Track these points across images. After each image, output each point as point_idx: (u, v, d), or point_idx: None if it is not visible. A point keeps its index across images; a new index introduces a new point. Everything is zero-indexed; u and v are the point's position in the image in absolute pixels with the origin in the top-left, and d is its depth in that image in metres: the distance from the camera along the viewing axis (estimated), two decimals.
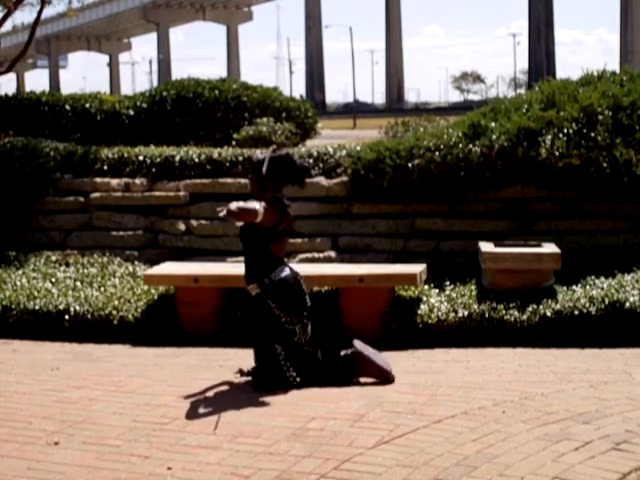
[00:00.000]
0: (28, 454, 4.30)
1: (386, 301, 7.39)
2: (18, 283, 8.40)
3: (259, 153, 5.67)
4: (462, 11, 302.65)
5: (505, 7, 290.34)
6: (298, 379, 5.40)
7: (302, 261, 8.81)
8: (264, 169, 5.46)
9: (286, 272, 5.53)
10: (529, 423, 4.46)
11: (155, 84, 78.74)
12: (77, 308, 7.74)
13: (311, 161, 10.06)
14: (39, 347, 7.39)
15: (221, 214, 5.37)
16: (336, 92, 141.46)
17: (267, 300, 5.44)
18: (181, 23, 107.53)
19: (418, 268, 7.54)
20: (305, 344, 5.52)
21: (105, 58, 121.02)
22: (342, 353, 5.62)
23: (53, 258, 9.44)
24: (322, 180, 9.73)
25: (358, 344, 5.70)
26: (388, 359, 5.87)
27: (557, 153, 8.38)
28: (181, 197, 10.12)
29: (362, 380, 5.61)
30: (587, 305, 7.05)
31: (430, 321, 7.18)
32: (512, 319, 7.08)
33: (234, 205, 5.40)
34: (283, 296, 5.45)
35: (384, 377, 5.51)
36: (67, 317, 7.71)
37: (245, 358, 6.20)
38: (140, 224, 10.18)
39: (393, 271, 7.55)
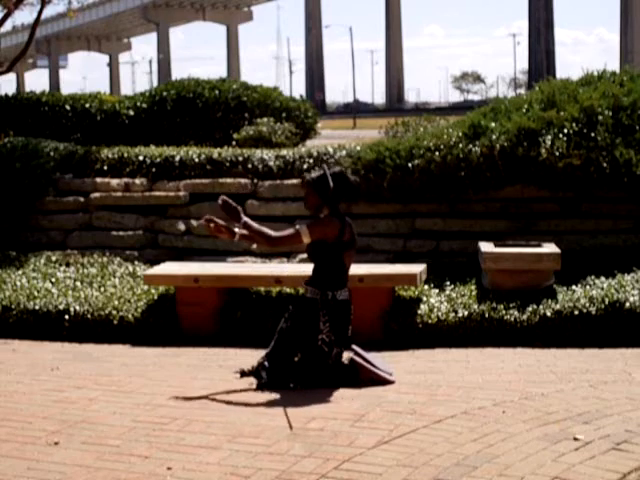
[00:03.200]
0: (28, 454, 4.30)
1: (386, 301, 7.39)
2: (18, 283, 8.40)
3: (311, 173, 5.71)
4: (462, 11, 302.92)
5: (505, 7, 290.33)
6: (299, 387, 5.40)
7: (302, 261, 8.80)
8: (331, 184, 5.47)
9: (347, 295, 5.58)
10: (529, 423, 4.46)
11: (155, 84, 78.77)
12: (77, 308, 7.74)
13: (311, 161, 10.07)
14: (39, 347, 7.39)
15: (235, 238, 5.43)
16: (336, 92, 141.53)
17: (320, 311, 5.45)
18: (181, 23, 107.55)
19: (418, 268, 7.54)
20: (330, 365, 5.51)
21: (105, 58, 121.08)
22: (344, 361, 5.62)
23: (53, 258, 9.44)
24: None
25: (357, 349, 5.70)
26: (387, 360, 5.87)
27: (557, 153, 8.38)
28: (181, 197, 10.12)
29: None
30: (587, 305, 7.05)
31: (430, 321, 7.18)
32: (512, 319, 7.08)
33: (275, 234, 5.44)
34: (336, 317, 5.48)
35: (383, 382, 5.51)
36: (67, 317, 7.71)
37: (245, 358, 6.20)
38: (140, 224, 10.18)
39: (393, 271, 7.55)
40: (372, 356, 5.72)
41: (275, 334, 5.63)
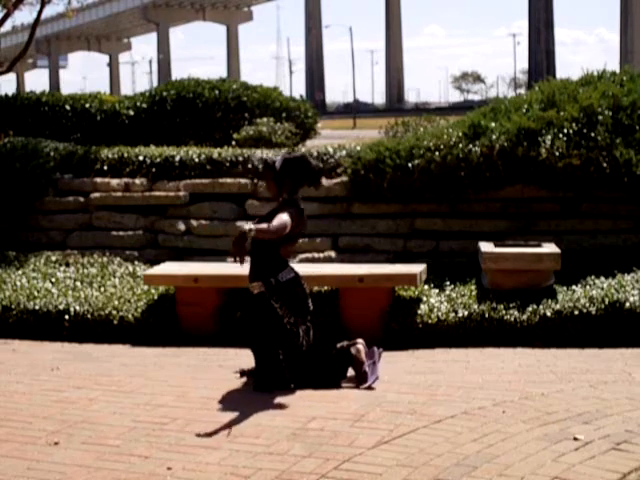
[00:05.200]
0: (28, 454, 4.30)
1: (386, 301, 7.39)
2: (18, 283, 8.40)
3: (274, 155, 5.67)
4: (462, 11, 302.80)
5: (505, 7, 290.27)
6: (292, 385, 5.38)
7: (302, 261, 8.81)
8: (277, 166, 5.46)
9: (292, 274, 5.54)
10: (529, 423, 4.46)
11: (155, 84, 78.79)
12: (77, 308, 7.74)
13: None
14: (39, 347, 7.39)
15: (252, 234, 5.23)
16: (336, 92, 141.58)
17: (270, 300, 5.43)
18: (181, 23, 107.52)
19: (418, 268, 7.54)
20: (307, 348, 5.51)
21: (105, 58, 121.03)
22: (338, 345, 5.63)
23: (53, 258, 9.44)
24: (322, 180, 9.73)
25: (359, 346, 5.68)
26: (387, 360, 5.88)
27: (557, 153, 8.38)
28: (181, 197, 10.12)
29: None
30: (587, 305, 7.05)
31: (430, 321, 7.18)
32: (512, 319, 7.08)
33: (278, 226, 5.29)
34: (288, 297, 5.44)
35: (362, 379, 5.48)
36: (67, 317, 7.70)
37: (245, 358, 6.20)
38: (140, 224, 10.18)
39: (393, 271, 7.55)
40: (367, 354, 5.69)
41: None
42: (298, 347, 5.47)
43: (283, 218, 5.33)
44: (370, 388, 5.38)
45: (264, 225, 5.35)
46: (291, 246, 5.67)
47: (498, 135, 8.70)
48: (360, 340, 5.74)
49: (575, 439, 4.16)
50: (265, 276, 5.47)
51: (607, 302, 7.02)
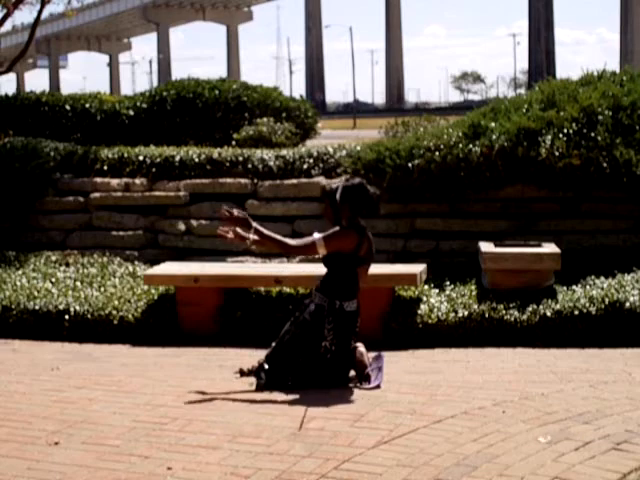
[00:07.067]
0: (28, 454, 4.29)
1: (386, 301, 7.39)
2: (18, 283, 8.40)
3: (332, 183, 5.74)
4: (462, 11, 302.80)
5: (505, 7, 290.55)
6: (296, 387, 5.38)
7: (302, 261, 8.81)
8: (337, 196, 5.46)
9: (355, 307, 5.55)
10: (529, 423, 4.46)
11: (155, 84, 78.80)
12: (77, 308, 7.74)
13: (311, 161, 10.07)
14: (39, 347, 7.39)
15: (249, 243, 5.44)
16: (336, 92, 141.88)
17: (325, 318, 5.44)
18: (181, 23, 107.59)
19: (418, 268, 7.54)
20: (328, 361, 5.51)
21: (105, 58, 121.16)
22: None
23: (53, 258, 9.44)
24: (322, 180, 9.74)
25: (361, 346, 5.68)
26: (387, 360, 5.87)
27: (557, 153, 8.38)
28: (181, 197, 10.12)
29: None
30: (587, 305, 7.05)
31: (430, 321, 7.18)
32: (512, 319, 7.08)
33: (293, 242, 5.48)
34: (341, 326, 5.46)
35: (364, 381, 5.48)
36: (67, 317, 7.70)
37: (245, 358, 6.20)
38: (140, 224, 10.18)
39: (393, 271, 7.55)
40: (374, 359, 5.69)
41: (278, 337, 5.62)
42: (320, 364, 5.46)
43: (314, 238, 5.43)
44: (371, 389, 5.38)
45: (269, 235, 5.47)
46: (366, 268, 5.66)
47: (498, 135, 8.70)
48: (360, 344, 5.73)
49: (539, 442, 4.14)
50: (333, 294, 5.48)
51: (607, 302, 7.02)
